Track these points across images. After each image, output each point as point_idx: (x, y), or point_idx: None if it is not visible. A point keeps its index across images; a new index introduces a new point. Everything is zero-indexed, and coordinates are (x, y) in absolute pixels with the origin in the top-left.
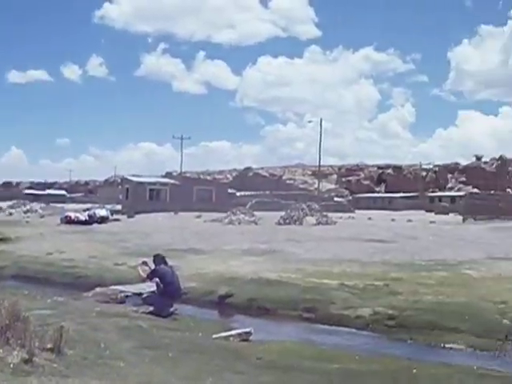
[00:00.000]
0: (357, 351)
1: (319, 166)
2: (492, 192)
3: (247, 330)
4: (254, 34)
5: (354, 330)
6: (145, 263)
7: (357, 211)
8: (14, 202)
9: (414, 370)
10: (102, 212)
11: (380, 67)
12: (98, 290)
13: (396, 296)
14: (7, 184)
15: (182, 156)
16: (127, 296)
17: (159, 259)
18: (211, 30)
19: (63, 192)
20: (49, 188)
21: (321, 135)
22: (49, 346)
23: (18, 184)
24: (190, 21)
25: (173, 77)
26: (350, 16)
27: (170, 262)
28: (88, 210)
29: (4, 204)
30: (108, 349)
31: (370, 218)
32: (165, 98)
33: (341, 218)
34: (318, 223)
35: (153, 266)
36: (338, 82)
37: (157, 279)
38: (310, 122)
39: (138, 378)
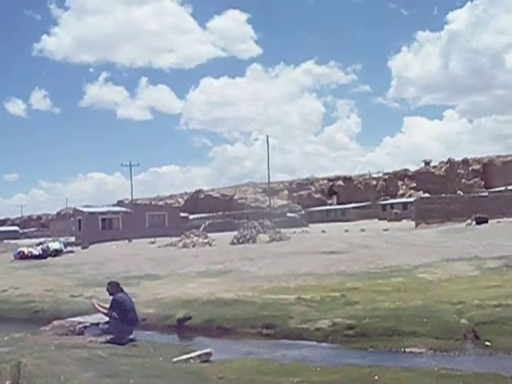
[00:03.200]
0: (318, 363)
1: (269, 182)
2: (442, 195)
3: (207, 350)
4: (194, 56)
5: (314, 343)
6: (95, 301)
7: (310, 225)
8: None
9: (376, 377)
10: (55, 245)
11: (322, 80)
12: (55, 323)
13: (353, 306)
14: None
15: (131, 183)
16: (86, 327)
17: (114, 286)
18: (152, 56)
19: (16, 228)
20: (1, 225)
21: (268, 152)
22: (7, 382)
23: None
24: (130, 48)
25: (117, 104)
26: (289, 31)
27: (126, 290)
28: (41, 243)
29: None
30: (68, 381)
31: (323, 231)
32: (110, 126)
33: (294, 232)
34: (272, 240)
35: (107, 295)
36: (281, 98)
37: (114, 313)
38: (256, 139)
39: None
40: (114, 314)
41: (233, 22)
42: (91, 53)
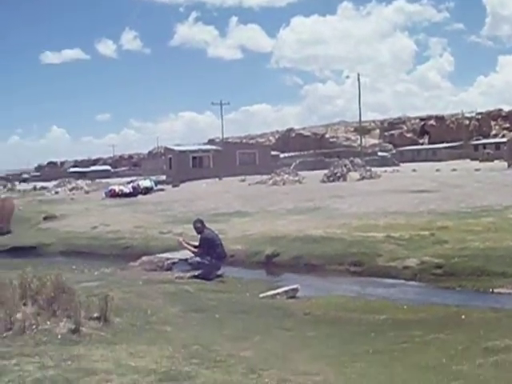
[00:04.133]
0: (405, 301)
1: (360, 121)
2: None
3: (294, 286)
4: None
5: (401, 281)
6: (182, 239)
7: (402, 164)
8: (59, 181)
9: (463, 316)
10: (145, 183)
11: (414, 18)
12: (144, 258)
13: (442, 245)
14: (52, 164)
15: (222, 122)
16: (174, 263)
17: (200, 224)
18: None
19: (108, 167)
20: (93, 165)
21: (360, 91)
22: (95, 315)
23: (62, 163)
24: None
25: (207, 44)
26: None
27: (215, 226)
28: (132, 181)
29: (50, 184)
30: (154, 314)
31: (414, 170)
32: (201, 65)
33: (385, 171)
34: (362, 178)
35: (195, 232)
36: (373, 37)
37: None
38: (347, 77)
39: (184, 341)
40: (201, 255)
41: None
42: None
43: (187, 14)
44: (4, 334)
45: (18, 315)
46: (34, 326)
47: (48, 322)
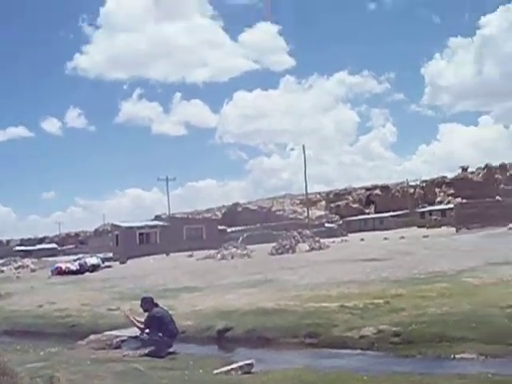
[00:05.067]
0: (364, 372)
1: (306, 193)
2: (482, 200)
3: (248, 361)
4: (227, 69)
5: (359, 351)
6: (129, 313)
7: (349, 234)
8: (5, 259)
9: None
10: (92, 260)
11: (356, 90)
12: (92, 337)
13: (398, 312)
14: None
15: (168, 198)
16: (123, 340)
17: (149, 302)
18: (185, 71)
19: (54, 245)
20: (39, 243)
21: (305, 163)
22: None
23: (8, 242)
24: (163, 63)
25: (152, 120)
26: (320, 42)
27: (164, 302)
28: (78, 259)
29: None
30: None
31: (362, 240)
32: (146, 141)
33: (333, 242)
34: (311, 249)
35: (140, 311)
36: (315, 109)
37: (147, 330)
38: (292, 149)
39: None
40: (147, 331)
41: (264, 34)
42: (124, 70)
43: (131, 90)
44: None
45: None
46: None
47: None
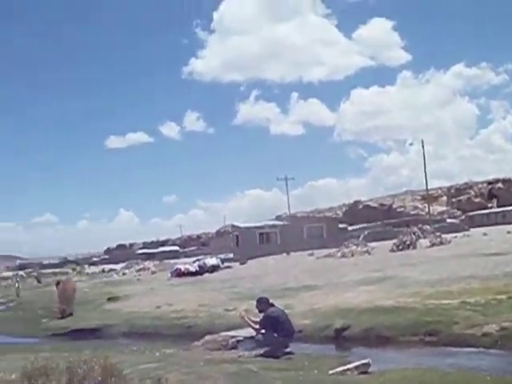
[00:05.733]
0: (487, 372)
1: (427, 189)
2: None
3: (365, 361)
4: (342, 67)
5: (481, 350)
6: (244, 313)
7: (471, 229)
8: (127, 262)
9: None
10: (212, 261)
11: (474, 82)
12: (207, 337)
13: None
14: (121, 246)
15: (288, 197)
16: (239, 341)
17: (264, 302)
18: (300, 70)
19: (176, 248)
20: (162, 246)
21: (424, 158)
22: None
23: (131, 245)
24: (279, 64)
25: (269, 121)
26: (435, 36)
27: (283, 301)
28: (198, 260)
29: (118, 266)
30: None
31: (485, 234)
32: (265, 142)
33: (455, 237)
34: (432, 245)
35: (256, 311)
36: (433, 104)
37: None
38: (411, 144)
39: None
40: (262, 331)
41: (378, 30)
42: (240, 72)
43: (248, 92)
44: None
45: None
46: None
47: None
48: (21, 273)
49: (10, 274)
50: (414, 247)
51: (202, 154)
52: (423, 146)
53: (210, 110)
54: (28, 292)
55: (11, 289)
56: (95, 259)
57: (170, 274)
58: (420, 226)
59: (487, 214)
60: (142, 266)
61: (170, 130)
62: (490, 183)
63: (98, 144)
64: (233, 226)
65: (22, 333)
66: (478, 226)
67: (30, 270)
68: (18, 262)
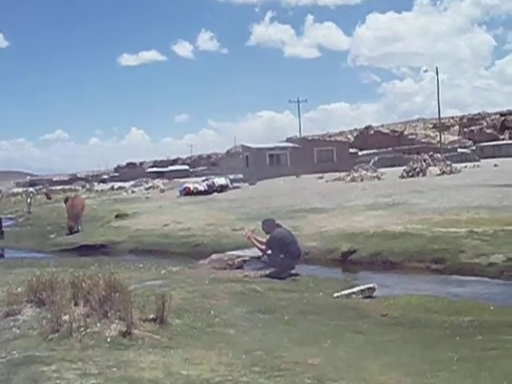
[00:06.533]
0: (491, 301)
1: (439, 118)
2: None
3: (370, 285)
4: None
5: (486, 279)
6: (250, 233)
7: (482, 160)
8: (137, 180)
9: None
10: (221, 181)
11: (492, 12)
12: (213, 256)
13: None
14: (131, 165)
15: (299, 120)
16: (245, 261)
17: (271, 223)
18: None
19: (186, 167)
20: (172, 165)
21: (438, 86)
22: (151, 316)
23: (141, 164)
24: None
25: (284, 43)
26: None
27: (291, 223)
28: (207, 179)
29: (128, 184)
30: (218, 316)
31: (496, 165)
32: (278, 64)
33: (465, 167)
34: (442, 173)
35: (263, 233)
36: (450, 32)
37: (269, 251)
38: (425, 71)
39: (247, 345)
40: (268, 252)
41: None
42: None
43: (263, 13)
44: (50, 337)
45: (66, 317)
46: (82, 328)
47: (98, 324)
48: (31, 189)
49: (19, 190)
50: (424, 174)
51: (214, 74)
52: (437, 74)
53: (224, 31)
54: (37, 208)
55: (20, 204)
56: (105, 177)
57: (178, 193)
58: (431, 153)
59: (499, 146)
60: (151, 185)
61: (183, 49)
62: (502, 115)
63: (111, 61)
64: (243, 147)
65: (30, 248)
66: (489, 158)
67: (39, 186)
68: (29, 178)
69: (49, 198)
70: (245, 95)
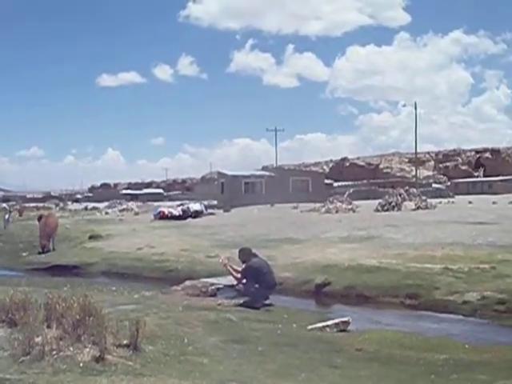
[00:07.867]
0: (466, 339)
1: (416, 152)
2: None
3: (345, 319)
4: (341, 23)
5: (460, 317)
6: (227, 261)
7: (456, 196)
8: (111, 202)
9: None
10: (195, 206)
11: (471, 50)
12: (187, 283)
13: (504, 279)
14: (105, 185)
15: (276, 148)
16: (219, 288)
17: (247, 253)
18: (298, 23)
19: (160, 191)
20: (146, 187)
21: (416, 121)
22: (124, 342)
23: (115, 185)
24: (277, 15)
25: (263, 71)
26: None
27: (265, 252)
28: (182, 204)
29: (101, 205)
30: (192, 344)
31: (470, 202)
32: (257, 92)
33: (440, 202)
34: (418, 208)
35: (238, 260)
36: (429, 68)
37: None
38: (404, 105)
39: (221, 375)
40: (243, 281)
41: None
42: (237, 20)
43: (244, 41)
44: (21, 359)
45: (38, 339)
46: (54, 352)
47: (71, 348)
48: (4, 205)
49: None
50: (399, 209)
51: (193, 99)
52: (416, 108)
53: (205, 56)
54: (10, 225)
55: None
56: (79, 196)
57: (152, 217)
58: (407, 188)
59: (473, 183)
60: (125, 206)
61: (163, 72)
62: (478, 152)
63: (90, 81)
64: (219, 173)
65: (1, 265)
66: (463, 194)
67: (13, 202)
68: (2, 194)
69: (20, 214)
70: (222, 121)
